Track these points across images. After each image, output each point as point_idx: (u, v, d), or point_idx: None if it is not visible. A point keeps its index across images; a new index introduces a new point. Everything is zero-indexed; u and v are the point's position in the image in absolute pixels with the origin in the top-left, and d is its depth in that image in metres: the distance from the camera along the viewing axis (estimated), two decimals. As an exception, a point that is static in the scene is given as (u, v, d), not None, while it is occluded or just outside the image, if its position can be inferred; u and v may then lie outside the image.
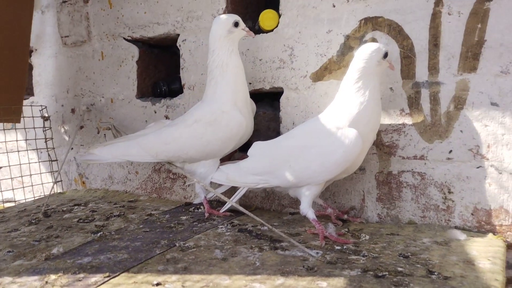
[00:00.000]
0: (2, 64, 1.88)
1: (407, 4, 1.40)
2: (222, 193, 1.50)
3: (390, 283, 0.98)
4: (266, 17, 1.64)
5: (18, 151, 2.18)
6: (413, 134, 1.42)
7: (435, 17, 1.36)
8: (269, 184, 1.41)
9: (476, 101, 1.32)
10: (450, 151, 1.37)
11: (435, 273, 1.03)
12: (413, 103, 1.41)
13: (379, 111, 1.37)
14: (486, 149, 1.32)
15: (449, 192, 1.38)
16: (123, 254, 1.20)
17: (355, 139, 1.28)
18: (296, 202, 1.57)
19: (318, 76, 1.56)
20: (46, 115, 2.15)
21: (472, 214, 1.35)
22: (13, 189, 2.18)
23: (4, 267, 1.14)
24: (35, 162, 2.26)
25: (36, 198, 2.11)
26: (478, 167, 1.33)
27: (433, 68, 1.37)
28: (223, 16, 1.49)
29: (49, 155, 2.13)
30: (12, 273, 1.09)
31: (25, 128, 2.11)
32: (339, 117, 1.32)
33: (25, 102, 2.14)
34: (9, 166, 2.10)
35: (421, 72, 1.39)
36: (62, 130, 2.24)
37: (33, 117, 2.12)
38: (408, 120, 1.42)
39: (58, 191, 2.19)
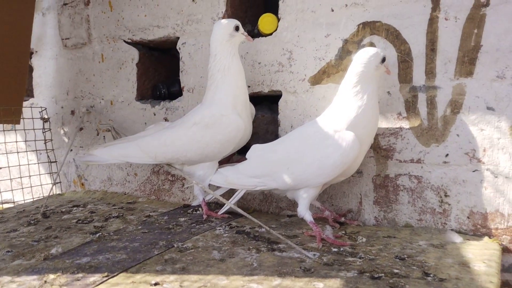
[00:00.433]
0: (2, 66, 1.88)
1: (404, 9, 1.41)
2: (220, 195, 1.51)
3: (386, 285, 0.99)
4: (265, 21, 1.66)
5: (18, 152, 2.19)
6: (410, 138, 1.43)
7: (432, 22, 1.38)
8: (267, 186, 1.42)
9: (473, 105, 1.33)
10: (447, 155, 1.38)
11: (431, 275, 1.04)
12: (410, 107, 1.43)
13: (377, 114, 1.38)
14: (482, 153, 1.33)
15: (446, 196, 1.39)
16: (122, 255, 1.20)
17: (352, 142, 1.29)
18: (294, 204, 1.58)
19: (316, 79, 1.57)
20: (46, 117, 2.16)
21: (468, 218, 1.36)
22: (12, 190, 2.18)
23: (3, 267, 1.14)
24: (34, 164, 2.26)
25: (35, 199, 2.11)
26: (474, 171, 1.35)
27: (430, 72, 1.39)
28: (224, 21, 1.50)
29: (48, 156, 2.14)
30: (11, 273, 1.10)
31: (24, 130, 2.11)
32: (337, 120, 1.34)
33: (25, 103, 2.14)
34: (9, 167, 2.10)
35: (418, 77, 1.41)
36: (62, 131, 2.25)
37: (32, 118, 2.12)
38: (405, 124, 1.44)
39: (57, 193, 2.19)
